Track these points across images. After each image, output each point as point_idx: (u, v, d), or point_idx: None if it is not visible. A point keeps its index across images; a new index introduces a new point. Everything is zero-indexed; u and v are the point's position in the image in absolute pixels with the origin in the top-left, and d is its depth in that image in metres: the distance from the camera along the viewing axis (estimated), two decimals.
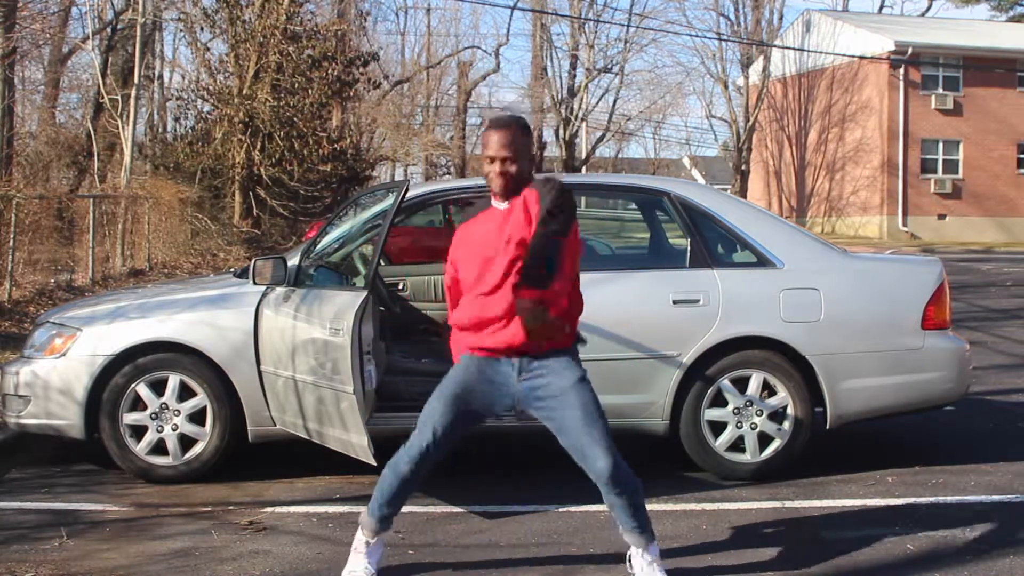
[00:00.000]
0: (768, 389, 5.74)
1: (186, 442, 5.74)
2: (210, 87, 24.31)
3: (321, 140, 23.21)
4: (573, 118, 41.74)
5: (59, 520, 5.08)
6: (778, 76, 40.30)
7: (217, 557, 4.56)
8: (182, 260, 18.90)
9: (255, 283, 5.66)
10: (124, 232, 17.10)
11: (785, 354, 5.74)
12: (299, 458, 6.08)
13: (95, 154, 23.60)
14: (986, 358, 9.76)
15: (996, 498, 5.45)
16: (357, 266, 6.51)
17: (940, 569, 4.41)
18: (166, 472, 5.74)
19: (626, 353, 5.67)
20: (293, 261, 5.68)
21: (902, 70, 35.16)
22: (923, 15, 49.52)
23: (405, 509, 5.26)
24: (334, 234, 6.20)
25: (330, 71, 23.63)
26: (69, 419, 5.75)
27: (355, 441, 5.07)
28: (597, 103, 43.28)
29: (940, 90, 35.89)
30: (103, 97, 23.23)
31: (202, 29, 25.03)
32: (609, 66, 41.88)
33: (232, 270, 7.43)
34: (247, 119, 22.65)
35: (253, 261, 5.74)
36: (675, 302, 5.72)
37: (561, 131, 41.87)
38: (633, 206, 7.29)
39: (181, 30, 30.17)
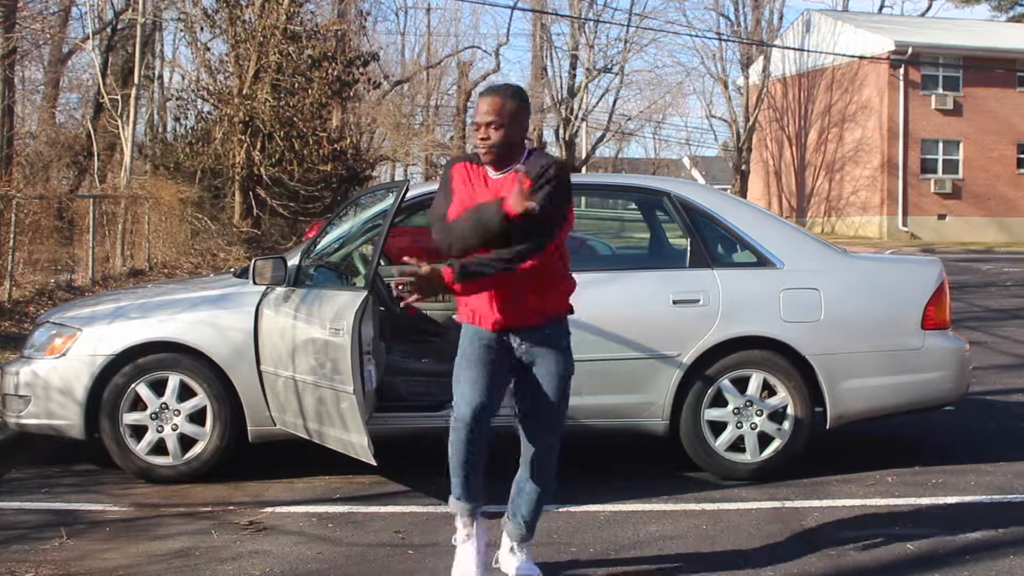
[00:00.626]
0: (768, 389, 5.74)
1: (186, 442, 5.74)
2: (210, 87, 24.29)
3: (321, 140, 23.19)
4: (573, 118, 41.72)
5: (59, 520, 5.08)
6: (778, 76, 40.29)
7: (217, 557, 4.56)
8: (182, 260, 18.90)
9: (255, 283, 5.66)
10: (124, 232, 17.10)
11: (785, 354, 5.74)
12: (299, 458, 6.08)
13: (95, 154, 23.60)
14: (986, 358, 9.76)
15: (996, 498, 5.45)
16: (357, 266, 6.51)
17: (940, 569, 4.41)
18: (166, 472, 5.74)
19: (626, 353, 5.67)
20: (293, 261, 5.68)
21: (902, 70, 35.15)
22: (923, 15, 49.52)
23: (405, 509, 5.28)
24: (334, 234, 6.20)
25: (330, 71, 23.61)
26: (69, 419, 5.75)
27: (355, 441, 5.07)
28: (597, 103, 43.28)
29: (940, 90, 35.89)
30: (103, 97, 23.23)
31: (202, 29, 25.00)
32: (609, 66, 41.87)
33: (232, 270, 7.43)
34: (247, 119, 22.64)
35: (253, 261, 5.74)
36: (675, 302, 5.72)
37: (561, 131, 41.86)
38: (633, 206, 7.28)
39: (181, 30, 30.13)
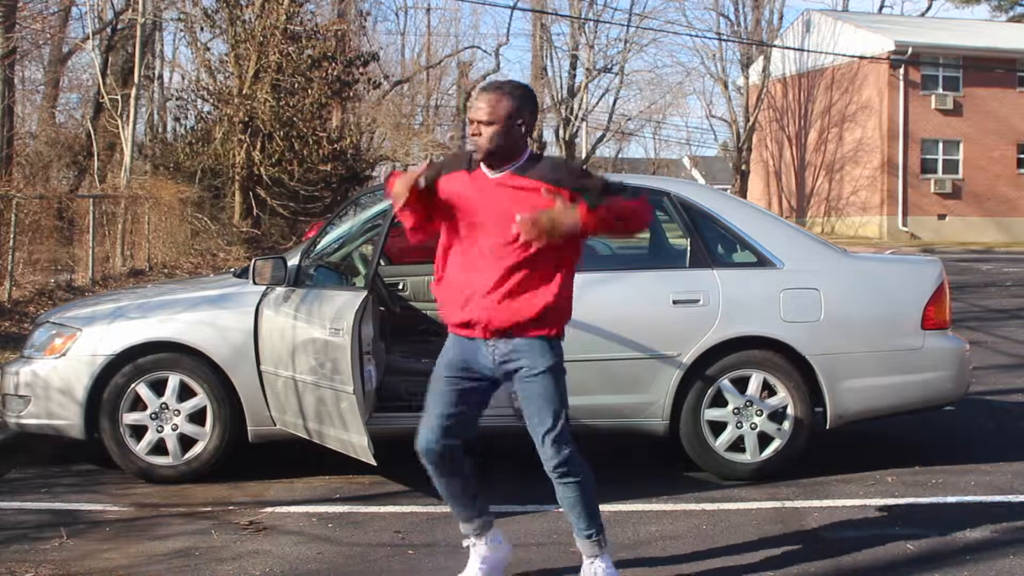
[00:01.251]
0: (768, 389, 5.74)
1: (186, 442, 5.74)
2: (210, 87, 24.30)
3: (321, 140, 23.20)
4: (573, 118, 41.73)
5: (59, 520, 5.08)
6: (778, 76, 40.29)
7: (217, 557, 4.56)
8: (182, 260, 18.90)
9: (255, 283, 5.66)
10: (124, 232, 17.09)
11: (785, 354, 5.74)
12: (299, 458, 6.08)
13: (95, 154, 23.58)
14: (986, 358, 9.76)
15: (996, 498, 5.45)
16: (357, 266, 6.51)
17: (940, 569, 4.41)
18: (166, 472, 5.74)
19: (626, 353, 5.67)
20: (293, 261, 5.68)
21: (902, 70, 35.15)
22: (923, 15, 49.51)
23: (405, 509, 5.28)
24: (334, 234, 6.20)
25: (330, 71, 23.61)
26: (69, 419, 5.74)
27: (355, 441, 5.07)
28: (597, 103, 43.30)
29: (940, 90, 35.88)
30: (103, 97, 23.22)
31: (202, 29, 25.01)
32: (609, 66, 41.88)
33: (232, 270, 7.43)
34: (247, 119, 22.64)
35: (253, 261, 5.74)
36: (675, 302, 5.72)
37: (561, 131, 41.86)
38: None
39: (181, 30, 30.15)
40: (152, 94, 32.27)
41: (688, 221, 5.92)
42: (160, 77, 34.41)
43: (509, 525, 5.00)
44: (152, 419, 5.71)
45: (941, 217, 35.98)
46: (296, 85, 22.96)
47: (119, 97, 22.73)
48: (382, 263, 6.82)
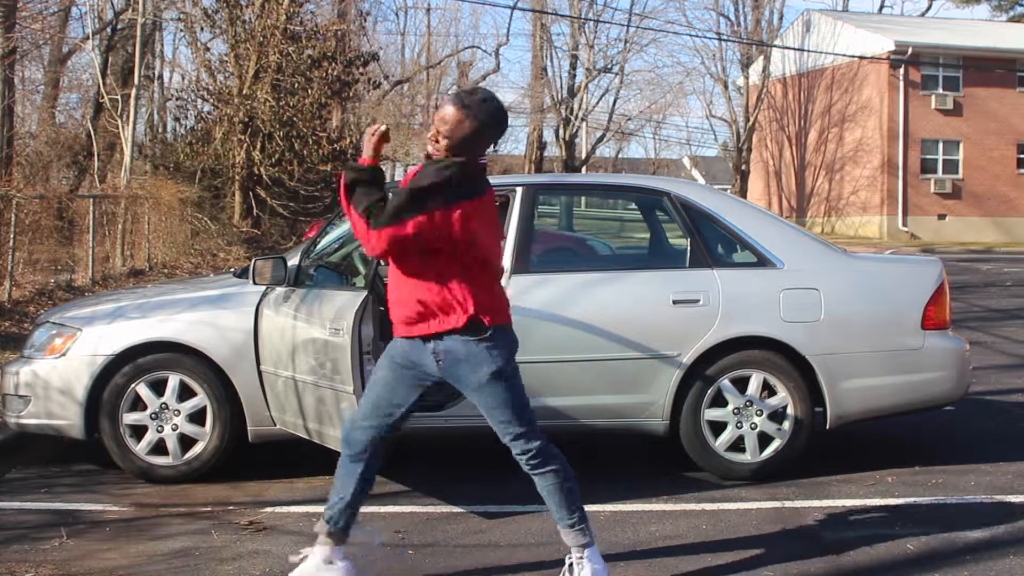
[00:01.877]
0: (768, 389, 5.74)
1: (186, 442, 5.74)
2: (210, 87, 24.31)
3: (321, 140, 23.20)
4: (573, 118, 41.71)
5: (59, 520, 5.08)
6: (778, 76, 40.29)
7: (217, 557, 4.56)
8: (182, 260, 18.90)
9: (255, 283, 5.66)
10: (124, 232, 17.09)
11: (785, 354, 5.74)
12: (299, 458, 6.08)
13: (95, 154, 23.58)
14: (986, 358, 9.76)
15: (996, 498, 5.44)
16: (357, 266, 6.50)
17: (940, 569, 4.41)
18: (166, 472, 5.74)
19: (626, 353, 5.66)
20: (293, 261, 5.68)
21: (902, 70, 35.15)
22: (923, 15, 49.52)
23: (405, 509, 5.28)
24: (334, 234, 6.20)
25: (330, 71, 23.61)
26: (69, 419, 5.74)
27: None
28: (597, 103, 43.25)
29: (940, 90, 35.88)
30: (103, 97, 23.22)
31: (202, 29, 25.03)
32: (609, 66, 41.86)
33: (232, 270, 7.43)
34: (247, 119, 22.65)
35: (253, 261, 5.74)
36: (675, 302, 5.72)
37: (561, 131, 41.84)
38: (633, 206, 7.28)
39: (181, 30, 30.15)
40: (152, 94, 32.26)
41: (688, 221, 5.92)
42: (160, 77, 34.41)
43: (509, 525, 5.00)
44: (152, 419, 5.71)
45: (941, 217, 35.99)
46: (296, 85, 22.97)
47: (119, 97, 22.74)
48: (382, 263, 6.81)
